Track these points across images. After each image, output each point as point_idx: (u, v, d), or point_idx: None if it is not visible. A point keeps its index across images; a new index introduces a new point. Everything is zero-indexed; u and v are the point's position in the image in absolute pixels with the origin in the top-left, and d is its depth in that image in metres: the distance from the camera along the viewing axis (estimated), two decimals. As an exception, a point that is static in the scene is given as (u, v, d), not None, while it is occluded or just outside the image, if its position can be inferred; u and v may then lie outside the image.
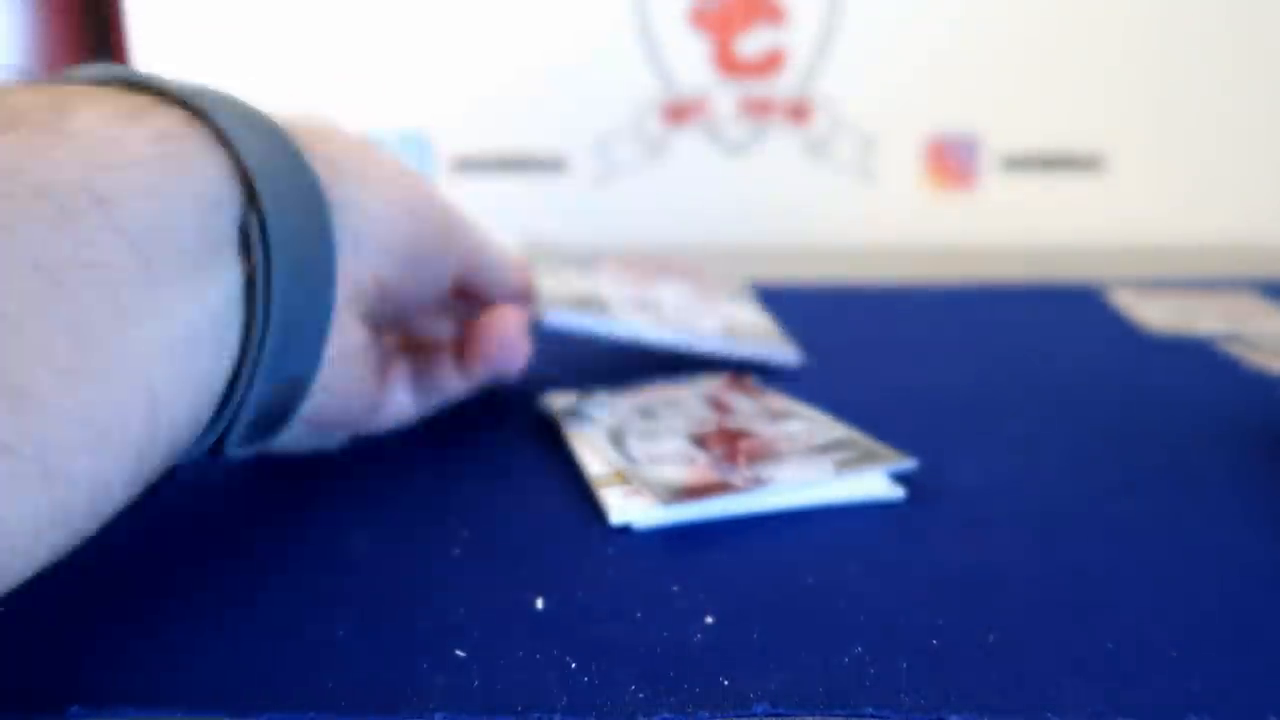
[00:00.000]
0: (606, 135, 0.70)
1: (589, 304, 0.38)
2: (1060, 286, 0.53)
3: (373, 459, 0.31)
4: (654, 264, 0.46)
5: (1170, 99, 0.67)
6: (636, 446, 0.29)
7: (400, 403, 0.31)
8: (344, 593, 0.23)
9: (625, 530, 0.26)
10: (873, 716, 0.18)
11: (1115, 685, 0.19)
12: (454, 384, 0.33)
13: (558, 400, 0.34)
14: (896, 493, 0.28)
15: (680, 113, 0.69)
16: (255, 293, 0.22)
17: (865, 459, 0.28)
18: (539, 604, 0.22)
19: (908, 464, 0.28)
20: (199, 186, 0.20)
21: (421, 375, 0.32)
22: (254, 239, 0.21)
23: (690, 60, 0.68)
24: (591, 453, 0.30)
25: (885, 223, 0.69)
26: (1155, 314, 0.47)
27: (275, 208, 0.22)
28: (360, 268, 0.26)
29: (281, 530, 0.26)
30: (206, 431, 0.22)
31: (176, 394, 0.20)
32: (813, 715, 0.18)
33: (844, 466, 0.28)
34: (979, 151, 0.68)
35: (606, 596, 0.23)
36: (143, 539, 0.26)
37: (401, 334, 0.33)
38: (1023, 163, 0.68)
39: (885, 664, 0.20)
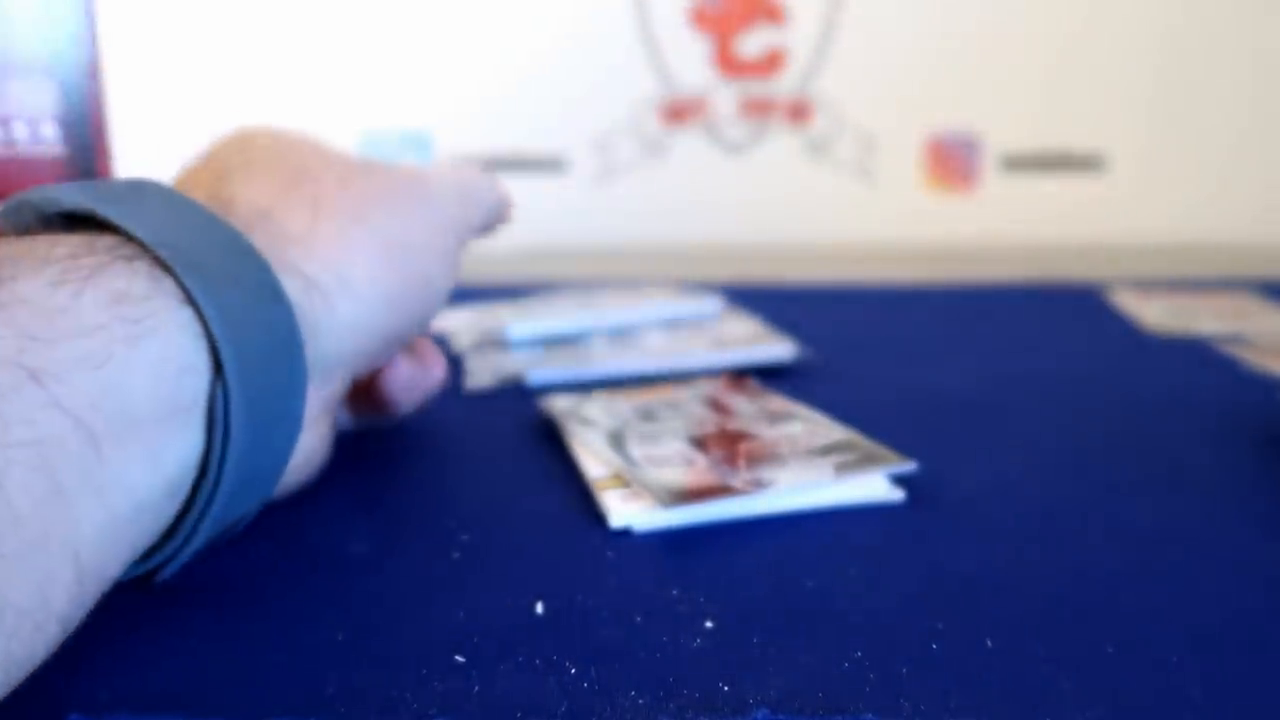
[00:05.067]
0: (606, 135, 0.70)
1: (566, 345, 0.41)
2: (1060, 286, 0.53)
3: (372, 461, 0.31)
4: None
5: (1170, 99, 0.67)
6: (636, 448, 0.29)
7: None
8: (343, 597, 0.23)
9: (625, 533, 0.26)
10: (872, 721, 0.18)
11: (1115, 689, 0.19)
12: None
13: (558, 402, 0.34)
14: (896, 495, 0.28)
15: (680, 113, 0.69)
16: (210, 459, 0.20)
17: (865, 461, 0.28)
18: (539, 608, 0.22)
19: (908, 466, 0.28)
20: (159, 352, 0.19)
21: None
22: (217, 410, 0.20)
23: (690, 60, 0.68)
24: (591, 455, 0.30)
25: (885, 223, 0.69)
26: (1155, 314, 0.47)
27: (241, 373, 0.20)
28: (337, 375, 0.25)
29: (280, 533, 0.26)
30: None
31: (110, 560, 0.18)
32: (812, 720, 0.18)
33: (844, 469, 0.28)
34: (979, 151, 0.68)
35: (606, 600, 0.23)
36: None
37: None
38: (1023, 163, 0.68)
39: (885, 668, 0.20)
